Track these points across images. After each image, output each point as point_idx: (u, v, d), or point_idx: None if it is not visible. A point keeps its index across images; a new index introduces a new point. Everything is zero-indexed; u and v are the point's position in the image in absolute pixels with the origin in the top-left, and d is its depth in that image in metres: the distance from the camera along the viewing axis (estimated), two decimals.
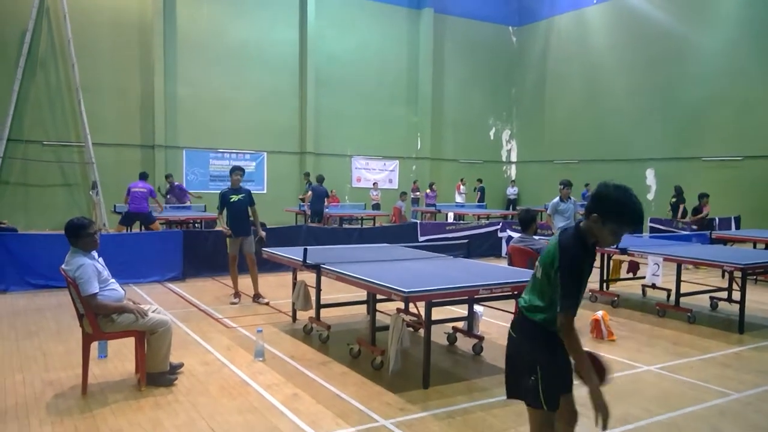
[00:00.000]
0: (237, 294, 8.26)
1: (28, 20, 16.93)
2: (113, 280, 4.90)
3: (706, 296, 8.40)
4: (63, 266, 4.71)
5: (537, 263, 2.93)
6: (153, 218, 12.40)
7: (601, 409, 2.60)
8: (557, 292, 2.71)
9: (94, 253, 4.85)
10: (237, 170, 8.36)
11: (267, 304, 8.06)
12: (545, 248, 2.91)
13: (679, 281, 7.83)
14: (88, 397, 4.63)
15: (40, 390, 4.77)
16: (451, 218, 18.64)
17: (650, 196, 20.54)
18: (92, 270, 4.63)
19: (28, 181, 17.33)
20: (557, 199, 9.73)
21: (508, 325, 3.00)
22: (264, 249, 7.37)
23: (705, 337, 6.82)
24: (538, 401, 2.79)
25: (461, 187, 22.72)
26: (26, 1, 16.98)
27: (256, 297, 8.23)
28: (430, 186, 21.21)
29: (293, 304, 6.94)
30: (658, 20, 20.16)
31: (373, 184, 21.76)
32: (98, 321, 4.68)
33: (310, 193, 15.58)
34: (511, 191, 24.41)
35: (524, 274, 5.83)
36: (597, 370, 2.74)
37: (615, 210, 2.67)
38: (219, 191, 8.52)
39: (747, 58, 17.71)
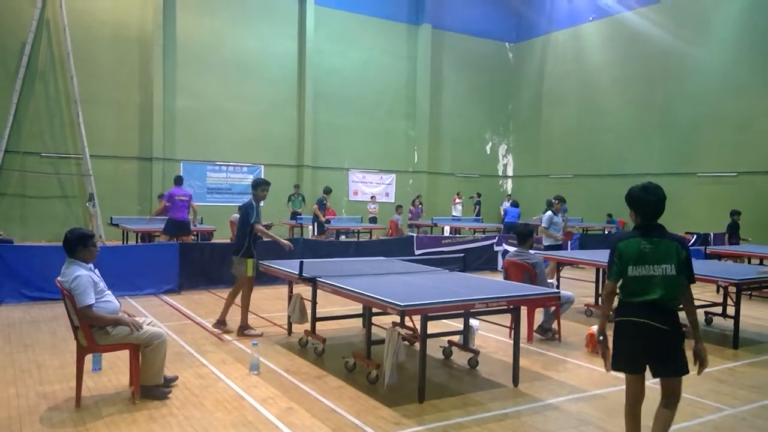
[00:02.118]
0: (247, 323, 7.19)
1: (28, 32, 17.03)
2: (109, 292, 4.90)
3: (701, 311, 8.41)
4: (59, 278, 4.71)
5: (661, 266, 3.56)
6: (190, 229, 11.92)
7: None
8: (684, 275, 3.60)
9: (90, 265, 4.86)
10: (267, 184, 7.33)
11: (261, 335, 7.07)
12: (665, 252, 3.57)
13: None
14: (82, 410, 4.61)
15: (34, 403, 4.75)
16: (447, 232, 18.68)
17: None
18: (88, 281, 4.63)
19: (26, 192, 17.33)
20: (550, 213, 10.27)
21: (650, 322, 3.54)
22: (260, 262, 7.36)
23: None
24: (688, 366, 3.59)
25: (457, 200, 22.78)
26: (26, 13, 17.10)
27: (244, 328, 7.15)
28: (413, 201, 21.23)
29: (289, 317, 6.94)
30: (653, 37, 20.35)
31: (371, 197, 21.81)
32: (93, 333, 4.67)
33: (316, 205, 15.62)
34: (507, 205, 24.47)
35: (520, 288, 5.86)
36: None
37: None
38: (246, 203, 7.27)
39: (743, 76, 17.85)
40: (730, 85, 18.15)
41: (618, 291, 3.73)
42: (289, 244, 7.37)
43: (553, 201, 10.33)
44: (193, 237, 13.09)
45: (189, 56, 19.62)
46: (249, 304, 7.19)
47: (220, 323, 7.26)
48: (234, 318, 7.28)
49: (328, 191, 16.09)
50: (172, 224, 11.57)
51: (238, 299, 7.27)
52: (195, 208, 12.28)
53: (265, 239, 7.34)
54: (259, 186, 7.23)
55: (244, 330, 7.07)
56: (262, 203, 7.29)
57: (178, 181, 12.37)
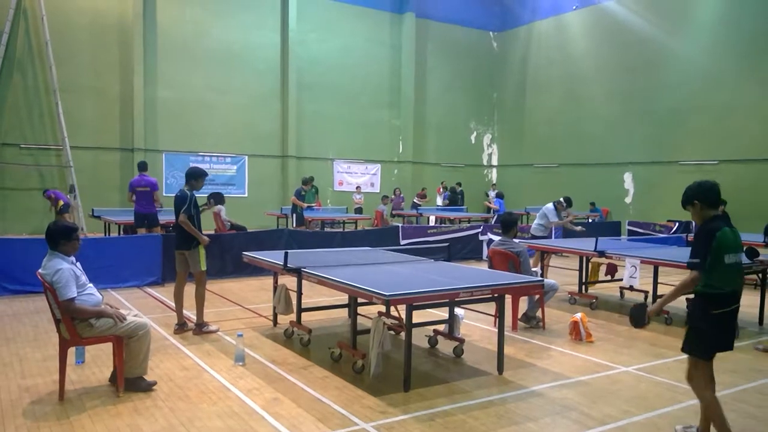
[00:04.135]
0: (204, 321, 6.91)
1: (5, 21, 16.68)
2: (91, 285, 4.85)
3: (683, 298, 8.50)
4: (40, 270, 4.66)
5: (740, 254, 3.91)
6: (158, 222, 11.44)
7: None
8: None
9: (72, 258, 4.80)
10: (205, 174, 7.04)
11: (217, 330, 6.82)
12: (740, 240, 3.90)
13: (656, 283, 7.94)
14: (66, 403, 4.58)
15: (17, 396, 4.70)
16: (432, 222, 18.71)
17: (628, 200, 20.81)
18: (70, 274, 4.58)
19: (5, 184, 17.05)
20: (554, 210, 11.23)
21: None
22: (245, 253, 7.32)
23: (681, 338, 6.89)
24: None
25: (441, 190, 22.80)
26: (3, 2, 16.74)
27: (202, 326, 6.81)
28: (395, 191, 21.22)
29: (274, 308, 6.92)
30: (636, 27, 20.45)
31: (356, 187, 21.76)
32: (76, 326, 4.62)
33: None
34: (492, 195, 24.53)
35: (504, 277, 5.89)
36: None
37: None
38: (188, 193, 6.72)
39: (723, 66, 18.02)
40: (709, 76, 18.30)
41: (705, 281, 3.88)
42: (207, 239, 6.82)
43: (562, 203, 11.30)
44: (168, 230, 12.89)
45: (170, 46, 19.34)
46: (205, 299, 6.84)
47: (200, 326, 6.71)
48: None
49: (306, 181, 15.22)
50: (135, 216, 11.43)
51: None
52: (158, 198, 11.50)
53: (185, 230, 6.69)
54: (200, 177, 6.84)
55: (201, 328, 6.70)
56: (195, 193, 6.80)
57: (141, 167, 11.48)
